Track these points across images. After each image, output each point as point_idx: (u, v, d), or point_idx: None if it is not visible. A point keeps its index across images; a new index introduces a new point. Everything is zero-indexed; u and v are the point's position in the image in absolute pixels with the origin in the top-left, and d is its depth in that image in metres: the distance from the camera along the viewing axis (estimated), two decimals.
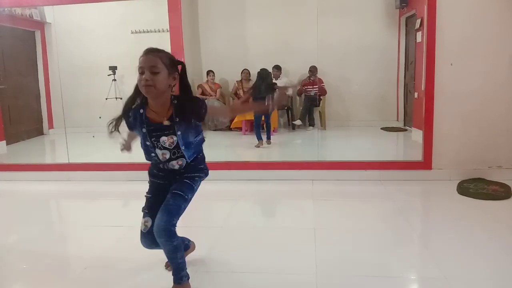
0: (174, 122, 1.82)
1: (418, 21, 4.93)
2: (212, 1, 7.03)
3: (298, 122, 6.39)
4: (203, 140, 2.01)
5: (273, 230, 2.91)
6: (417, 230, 2.84)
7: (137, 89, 1.81)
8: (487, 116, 3.73)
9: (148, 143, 1.85)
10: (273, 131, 6.05)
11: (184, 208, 1.91)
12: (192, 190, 1.96)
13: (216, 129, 6.53)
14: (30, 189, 4.05)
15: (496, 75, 3.68)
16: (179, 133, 1.83)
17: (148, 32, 6.14)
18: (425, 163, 3.82)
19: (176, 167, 1.91)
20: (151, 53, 1.75)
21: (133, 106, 1.85)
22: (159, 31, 5.90)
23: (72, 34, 6.26)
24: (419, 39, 4.81)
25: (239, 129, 6.41)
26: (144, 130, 1.82)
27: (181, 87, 1.87)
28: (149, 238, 1.91)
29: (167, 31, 4.08)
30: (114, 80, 6.10)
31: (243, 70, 6.73)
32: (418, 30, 4.93)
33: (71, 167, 4.29)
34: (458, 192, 3.43)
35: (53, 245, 2.69)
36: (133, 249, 2.17)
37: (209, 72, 6.81)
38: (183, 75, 1.87)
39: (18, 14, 5.78)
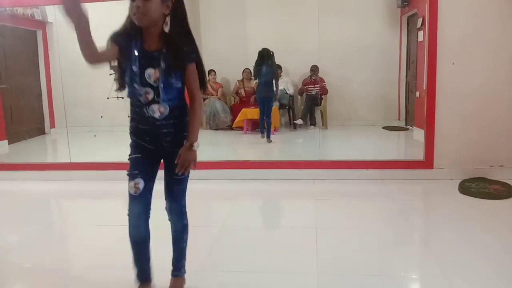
0: (160, 52, 1.64)
1: (420, 20, 4.92)
2: (213, 1, 7.03)
3: (299, 121, 6.39)
4: (183, 89, 1.75)
5: (274, 230, 2.92)
6: (418, 229, 2.83)
7: (129, 19, 1.65)
8: (489, 115, 3.72)
9: (135, 68, 1.63)
10: (274, 130, 6.05)
11: (187, 185, 1.85)
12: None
13: (217, 128, 6.53)
14: (32, 188, 4.06)
15: (498, 74, 3.67)
16: (162, 65, 1.62)
17: None
18: (427, 162, 3.81)
19: (157, 114, 1.67)
20: None
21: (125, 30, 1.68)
22: None
23: (73, 33, 6.26)
24: (420, 38, 4.80)
25: (241, 128, 6.41)
26: (136, 52, 1.64)
27: (174, 16, 1.65)
28: (141, 202, 1.74)
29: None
30: (116, 80, 6.10)
31: (244, 70, 6.72)
32: (419, 29, 4.92)
33: (72, 166, 4.30)
34: (460, 192, 3.42)
35: (54, 244, 2.70)
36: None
37: (210, 72, 6.81)
38: (178, 4, 1.67)
39: (19, 14, 5.79)
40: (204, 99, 6.77)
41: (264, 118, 5.61)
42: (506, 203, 3.17)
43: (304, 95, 6.57)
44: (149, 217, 1.79)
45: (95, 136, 6.03)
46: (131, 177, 1.75)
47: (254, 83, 6.48)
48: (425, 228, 2.92)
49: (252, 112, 6.18)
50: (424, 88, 3.81)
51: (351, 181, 3.83)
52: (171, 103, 1.68)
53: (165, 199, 1.84)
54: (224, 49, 6.79)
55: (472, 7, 3.61)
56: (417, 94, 5.21)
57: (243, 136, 6.29)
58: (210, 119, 6.54)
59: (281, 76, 6.50)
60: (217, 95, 6.77)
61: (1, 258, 2.51)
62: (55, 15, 5.84)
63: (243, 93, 6.78)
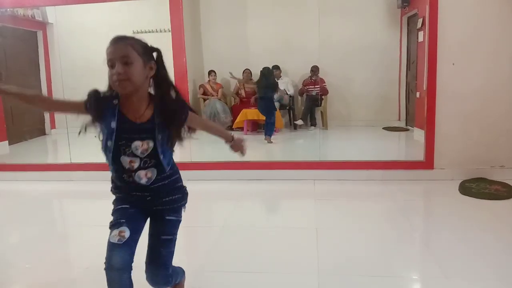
0: (154, 124, 1.48)
1: (420, 20, 4.93)
2: (213, 1, 7.04)
3: (299, 122, 6.39)
4: (172, 152, 1.62)
5: (275, 230, 2.92)
6: (418, 229, 2.83)
7: (110, 90, 1.51)
8: (490, 115, 3.72)
9: (109, 143, 1.47)
10: (276, 131, 6.05)
11: (175, 247, 1.63)
12: (178, 225, 1.64)
13: None
14: (32, 189, 4.06)
15: (498, 75, 3.67)
16: (159, 137, 1.48)
17: (150, 32, 6.14)
18: (427, 163, 3.81)
19: (143, 180, 1.51)
20: (121, 41, 1.44)
21: (102, 96, 1.51)
22: (160, 31, 5.90)
23: (74, 34, 6.27)
24: (420, 39, 4.80)
25: (241, 129, 6.41)
26: (113, 125, 1.46)
27: (157, 80, 1.51)
28: (125, 252, 1.48)
29: (169, 31, 4.08)
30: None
31: (244, 70, 6.72)
32: (419, 29, 4.93)
33: (73, 167, 4.30)
34: (460, 192, 3.42)
35: (55, 244, 2.70)
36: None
37: (210, 72, 6.81)
38: (160, 64, 1.51)
39: (20, 15, 5.79)
40: (204, 100, 6.77)
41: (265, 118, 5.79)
42: (506, 204, 3.17)
43: (305, 95, 6.58)
44: (131, 270, 1.50)
45: (95, 136, 6.02)
46: (116, 225, 1.52)
47: (254, 85, 6.50)
48: (425, 228, 2.92)
49: (252, 113, 6.19)
50: (424, 89, 3.81)
51: (352, 181, 3.83)
52: (167, 167, 1.55)
53: (147, 268, 1.58)
54: (224, 49, 6.79)
55: (472, 8, 3.62)
56: (418, 94, 5.22)
57: (244, 137, 6.28)
58: (211, 120, 6.54)
59: (281, 76, 6.51)
60: (217, 95, 6.77)
61: (1, 259, 2.51)
62: (55, 16, 5.84)
63: (243, 94, 6.79)
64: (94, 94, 1.50)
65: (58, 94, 6.09)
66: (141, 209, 1.58)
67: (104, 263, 1.50)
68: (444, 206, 3.24)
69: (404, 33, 6.40)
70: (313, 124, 6.48)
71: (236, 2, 6.82)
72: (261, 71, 5.88)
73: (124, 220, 1.52)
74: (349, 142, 5.90)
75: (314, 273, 2.15)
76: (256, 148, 5.46)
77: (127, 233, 1.49)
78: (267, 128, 5.78)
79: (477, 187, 3.46)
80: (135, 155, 1.48)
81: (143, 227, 1.59)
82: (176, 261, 2.27)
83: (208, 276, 2.18)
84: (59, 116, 6.47)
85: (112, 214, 1.57)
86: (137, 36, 1.51)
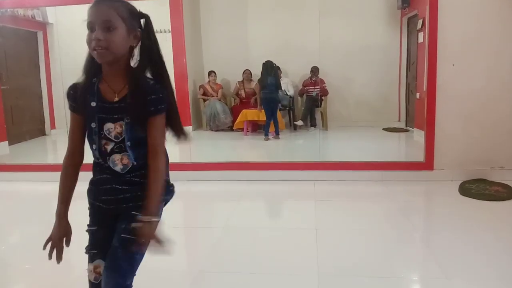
0: (125, 103, 1.28)
1: (420, 21, 4.93)
2: (213, 2, 7.05)
3: (299, 122, 6.40)
4: None
5: (275, 231, 2.92)
6: (418, 230, 2.83)
7: (89, 56, 1.31)
8: (489, 116, 3.72)
9: (93, 125, 1.30)
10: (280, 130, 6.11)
11: (142, 258, 1.33)
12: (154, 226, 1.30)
13: (217, 129, 6.54)
14: (32, 189, 4.06)
15: (498, 75, 3.67)
16: (127, 119, 1.27)
17: None
18: (427, 164, 3.81)
19: (119, 167, 1.31)
20: (104, 2, 1.24)
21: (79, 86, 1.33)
22: (161, 32, 5.87)
23: (74, 34, 6.22)
24: (421, 40, 4.81)
25: (241, 129, 6.41)
26: (93, 103, 1.29)
27: (142, 52, 1.31)
28: None
29: (169, 32, 4.08)
30: None
31: (244, 71, 6.73)
32: (420, 30, 4.93)
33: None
34: (460, 193, 3.42)
35: None
36: None
37: (210, 73, 6.82)
38: (147, 33, 1.32)
39: (20, 15, 5.80)
40: (204, 100, 6.78)
41: (270, 119, 5.91)
42: (506, 205, 3.17)
43: (305, 96, 6.58)
44: None
45: None
46: (90, 258, 1.42)
47: (254, 84, 6.50)
48: (425, 229, 2.92)
49: (252, 113, 6.20)
50: (425, 89, 3.81)
51: (352, 182, 3.83)
52: (142, 162, 1.32)
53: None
54: (224, 50, 6.80)
55: (473, 8, 3.62)
56: (418, 95, 5.22)
57: (244, 137, 6.30)
58: (211, 120, 6.54)
59: (281, 77, 6.51)
60: (217, 96, 6.78)
61: (2, 259, 2.51)
62: (55, 16, 5.85)
63: (243, 94, 6.79)
64: (71, 91, 1.34)
65: (58, 94, 6.10)
66: (110, 215, 1.39)
67: None
68: (444, 207, 3.24)
69: (404, 34, 6.41)
70: (313, 124, 6.48)
71: (236, 3, 6.83)
72: (263, 63, 5.95)
73: (96, 251, 1.39)
74: (349, 143, 5.90)
75: (314, 274, 2.15)
76: (256, 148, 5.47)
77: (102, 268, 1.36)
78: (270, 127, 5.86)
79: (477, 188, 3.46)
80: (109, 139, 1.30)
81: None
82: (176, 263, 2.26)
83: (208, 277, 2.18)
84: (59, 117, 6.48)
85: (87, 232, 1.46)
86: None
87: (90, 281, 1.39)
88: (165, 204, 1.42)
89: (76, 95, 1.32)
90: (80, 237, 2.65)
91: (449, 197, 3.38)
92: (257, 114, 6.10)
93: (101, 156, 1.34)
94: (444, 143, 3.77)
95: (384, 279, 2.11)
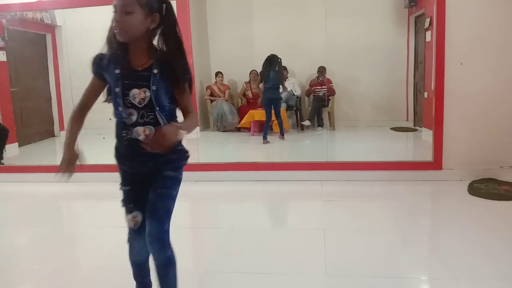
0: (151, 73, 1.48)
1: (427, 20, 4.90)
2: (220, 3, 7.06)
3: (307, 122, 6.39)
4: (175, 110, 1.61)
5: (282, 231, 2.92)
6: (426, 231, 2.82)
7: (111, 31, 1.51)
8: (498, 115, 3.69)
9: (117, 89, 1.49)
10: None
11: (173, 207, 1.60)
12: (178, 183, 1.62)
13: (225, 130, 6.55)
14: (42, 190, 4.10)
15: (507, 74, 3.64)
16: (154, 87, 1.47)
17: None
18: (435, 163, 3.78)
19: (141, 137, 1.50)
20: None
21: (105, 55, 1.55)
22: None
23: (82, 37, 6.31)
24: (428, 39, 4.78)
25: (247, 129, 6.42)
26: (117, 71, 1.49)
27: (163, 30, 1.50)
28: (141, 234, 1.60)
29: None
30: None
31: (251, 71, 6.74)
32: (427, 29, 4.90)
33: (81, 168, 4.31)
34: (469, 193, 3.40)
35: (64, 245, 2.72)
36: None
37: (217, 74, 6.83)
38: (167, 17, 1.49)
39: (29, 18, 5.86)
40: (212, 101, 6.79)
41: (270, 119, 5.70)
42: None
43: (311, 96, 6.57)
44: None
45: (104, 138, 6.07)
46: (128, 210, 1.65)
47: (260, 86, 6.49)
48: (433, 229, 2.90)
49: (260, 114, 6.19)
50: (432, 89, 3.79)
51: (359, 182, 3.82)
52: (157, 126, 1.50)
53: (146, 223, 1.58)
54: (231, 51, 6.81)
55: (480, 7, 3.59)
56: (425, 94, 5.19)
57: (251, 138, 6.30)
58: (218, 121, 6.55)
59: (287, 77, 6.50)
60: (224, 97, 6.79)
61: (10, 259, 2.54)
62: (64, 19, 5.90)
63: (250, 95, 6.80)
64: (97, 58, 1.55)
65: (67, 96, 6.15)
66: (139, 176, 1.61)
67: (127, 239, 1.70)
68: (453, 207, 3.21)
69: (412, 33, 6.37)
70: (320, 124, 6.47)
71: (242, 4, 6.84)
72: (267, 57, 5.67)
73: (133, 205, 1.63)
74: (356, 143, 5.88)
75: (322, 274, 2.15)
76: (263, 149, 5.47)
77: (139, 217, 1.61)
78: (273, 128, 5.74)
79: (486, 188, 3.43)
80: (134, 106, 1.49)
81: (147, 196, 1.61)
82: (183, 263, 2.29)
83: (215, 277, 2.18)
84: (67, 118, 6.52)
85: (122, 198, 1.66)
86: None
87: (130, 228, 1.65)
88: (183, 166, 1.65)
89: (101, 62, 1.53)
90: (88, 238, 2.66)
91: (458, 197, 3.36)
92: (264, 114, 6.10)
93: (126, 127, 1.53)
94: (452, 142, 3.75)
95: (391, 279, 2.10)
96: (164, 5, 1.49)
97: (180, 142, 1.58)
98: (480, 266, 2.20)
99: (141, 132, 1.50)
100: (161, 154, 1.47)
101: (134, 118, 1.50)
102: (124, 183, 1.66)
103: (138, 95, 1.49)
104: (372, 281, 2.08)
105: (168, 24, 1.49)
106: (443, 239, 2.63)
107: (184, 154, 1.64)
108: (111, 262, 2.36)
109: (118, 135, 1.59)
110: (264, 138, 5.66)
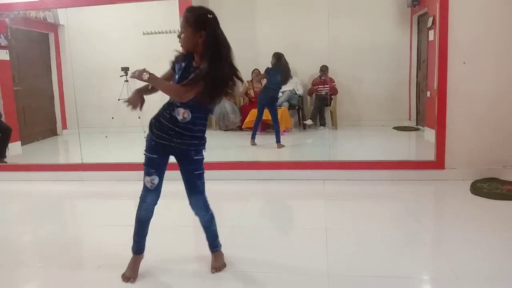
0: (193, 71, 1.95)
1: (430, 19, 4.88)
2: (222, 2, 7.05)
3: (309, 121, 6.37)
4: (207, 110, 2.07)
5: (284, 230, 2.92)
6: (429, 230, 2.81)
7: None
8: (501, 114, 3.68)
9: (177, 76, 1.99)
10: (284, 131, 6.03)
11: (204, 175, 2.13)
12: (203, 162, 2.13)
13: (227, 129, 6.55)
14: (44, 189, 4.11)
15: (510, 73, 3.63)
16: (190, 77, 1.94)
17: (159, 33, 6.19)
18: (438, 163, 3.78)
19: (180, 117, 1.97)
20: (184, 13, 1.96)
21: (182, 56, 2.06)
22: (170, 32, 5.93)
23: (85, 36, 6.34)
24: (431, 38, 4.76)
25: (250, 129, 6.41)
26: (183, 64, 2.00)
27: (206, 46, 1.93)
28: (155, 194, 2.08)
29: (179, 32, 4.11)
30: (126, 81, 6.15)
31: (253, 70, 6.72)
32: (430, 28, 4.88)
33: (84, 167, 4.35)
34: (472, 192, 3.39)
35: (67, 244, 2.73)
36: (145, 249, 2.20)
37: None
38: (210, 33, 1.93)
39: (32, 17, 5.87)
40: None
41: (260, 119, 5.54)
42: None
43: (314, 95, 6.56)
44: (157, 203, 2.12)
45: (106, 137, 6.09)
46: (148, 173, 2.06)
47: (264, 82, 6.47)
48: (436, 229, 2.90)
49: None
50: (435, 88, 3.78)
51: (362, 181, 3.81)
52: (190, 110, 1.97)
53: (189, 198, 2.12)
54: (234, 50, 6.77)
55: (483, 6, 3.58)
56: (428, 93, 5.17)
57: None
58: (220, 120, 6.55)
59: (290, 76, 6.48)
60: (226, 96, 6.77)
61: (14, 258, 2.55)
62: (67, 18, 5.90)
63: (252, 94, 6.79)
64: (176, 57, 2.07)
65: (69, 95, 6.16)
66: (166, 149, 2.05)
67: (140, 196, 2.11)
68: (455, 206, 3.21)
69: (415, 32, 6.35)
70: (323, 124, 6.45)
71: (245, 3, 6.83)
72: (276, 53, 5.45)
73: (154, 170, 2.06)
74: (359, 142, 5.87)
75: (324, 273, 2.15)
76: (266, 148, 5.46)
77: (156, 180, 2.05)
78: (275, 132, 5.47)
79: (489, 187, 3.42)
80: None
81: (166, 167, 2.11)
82: (186, 262, 2.29)
83: (217, 276, 2.18)
84: (70, 117, 6.55)
85: (144, 155, 2.07)
86: (199, 6, 1.98)
87: (146, 187, 2.08)
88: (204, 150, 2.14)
89: (176, 59, 2.05)
90: (91, 236, 2.67)
91: (461, 197, 3.35)
92: (266, 113, 6.08)
93: (172, 106, 1.99)
94: (455, 142, 3.74)
95: (394, 279, 2.10)
96: (207, 25, 1.93)
97: (200, 130, 2.05)
98: (483, 266, 2.20)
99: (180, 113, 1.97)
100: (187, 135, 2.01)
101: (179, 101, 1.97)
102: (151, 151, 2.06)
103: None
104: (375, 281, 2.08)
105: (209, 40, 1.93)
106: (445, 239, 2.63)
107: (202, 140, 2.09)
108: (113, 261, 2.36)
109: (164, 110, 2.03)
110: (253, 138, 5.46)
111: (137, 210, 2.13)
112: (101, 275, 2.24)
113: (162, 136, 2.03)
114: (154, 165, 2.06)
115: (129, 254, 2.18)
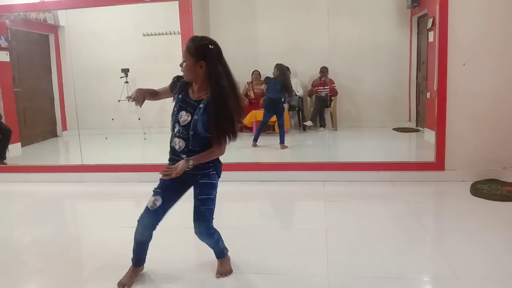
0: (198, 105, 1.94)
1: (430, 20, 4.89)
2: (223, 3, 7.06)
3: (309, 123, 6.37)
4: (208, 144, 2.01)
5: (285, 231, 2.92)
6: (429, 231, 2.81)
7: None
8: (501, 116, 3.68)
9: (175, 108, 2.00)
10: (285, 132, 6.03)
11: (214, 206, 2.05)
12: (214, 187, 2.06)
13: None
14: (44, 190, 4.11)
15: (509, 74, 3.63)
16: (196, 117, 1.93)
17: (159, 34, 6.19)
18: (438, 164, 3.78)
19: (176, 147, 1.98)
20: (186, 43, 1.96)
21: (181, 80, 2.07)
22: (170, 34, 5.94)
23: (85, 37, 6.34)
24: (431, 39, 4.77)
25: (249, 129, 6.41)
26: (180, 96, 2.00)
27: (208, 75, 1.92)
28: (153, 217, 2.01)
29: (179, 34, 4.12)
30: (127, 82, 6.16)
31: (253, 72, 6.73)
32: (430, 29, 4.89)
33: (84, 168, 4.35)
34: (472, 193, 3.39)
35: (67, 245, 2.73)
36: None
37: None
38: (210, 63, 1.91)
39: (32, 18, 5.88)
40: None
41: (276, 119, 5.59)
42: None
43: (314, 96, 6.56)
44: (155, 229, 2.06)
45: (106, 138, 6.09)
46: (154, 193, 2.03)
47: (263, 85, 6.48)
48: (436, 230, 2.90)
49: (262, 114, 6.18)
50: (435, 89, 3.79)
51: (362, 182, 3.82)
52: (198, 149, 1.96)
53: (194, 223, 2.02)
54: (234, 51, 6.76)
55: (483, 7, 3.58)
56: (428, 95, 5.17)
57: (253, 138, 6.28)
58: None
59: (290, 77, 6.49)
60: None
61: (14, 259, 2.55)
62: (67, 19, 5.91)
63: (252, 95, 6.79)
64: (176, 80, 2.08)
65: (69, 96, 6.17)
66: (178, 179, 1.95)
67: (140, 215, 2.05)
68: (455, 207, 3.21)
69: (414, 33, 6.35)
70: (323, 125, 6.45)
71: (245, 4, 6.83)
72: (278, 65, 5.55)
73: (160, 191, 2.02)
74: (358, 143, 5.87)
75: (324, 274, 2.15)
76: (266, 149, 5.46)
77: (159, 202, 1.99)
78: (280, 133, 5.61)
79: (489, 189, 3.42)
80: (179, 122, 1.97)
81: (178, 196, 2.07)
82: (187, 263, 2.28)
83: (219, 280, 2.18)
84: (70, 118, 6.56)
85: (159, 183, 2.05)
86: (201, 37, 1.99)
87: (146, 207, 2.02)
88: (218, 176, 2.12)
89: (177, 82, 2.06)
90: (91, 237, 2.67)
91: (461, 198, 3.35)
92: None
93: (172, 136, 2.02)
94: (455, 143, 3.74)
95: (394, 280, 2.10)
96: (207, 55, 1.91)
97: (212, 166, 2.05)
98: (483, 267, 2.20)
99: (177, 143, 1.99)
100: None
101: (176, 131, 1.99)
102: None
103: (183, 116, 1.96)
104: (375, 282, 2.08)
105: (211, 69, 1.91)
106: (445, 240, 2.62)
107: (208, 163, 2.02)
108: (113, 261, 2.36)
109: (170, 141, 2.04)
110: (255, 140, 5.52)
111: (135, 231, 2.08)
112: (101, 276, 2.23)
113: (173, 159, 2.03)
114: (162, 186, 2.03)
115: (130, 255, 2.18)
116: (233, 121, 1.96)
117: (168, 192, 2.02)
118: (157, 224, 2.04)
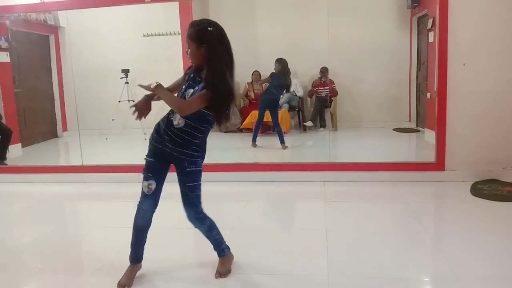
0: (200, 82, 2.00)
1: (430, 21, 4.89)
2: (222, 4, 7.06)
3: (309, 123, 6.37)
4: (204, 123, 2.02)
5: (285, 231, 2.92)
6: (429, 231, 2.81)
7: None
8: (501, 116, 3.68)
9: (184, 86, 2.05)
10: (285, 132, 6.02)
11: (201, 192, 2.09)
12: (201, 173, 2.09)
13: (227, 131, 6.55)
14: (45, 190, 4.11)
15: (509, 75, 3.63)
16: (190, 92, 1.99)
17: (160, 35, 6.19)
18: (438, 164, 3.78)
19: (175, 122, 1.99)
20: (187, 29, 1.98)
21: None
22: (171, 34, 5.94)
23: (85, 38, 6.35)
24: (431, 39, 4.77)
25: (249, 130, 6.41)
26: (192, 75, 2.04)
27: (207, 57, 1.94)
28: (151, 200, 2.06)
29: (179, 34, 4.12)
30: (127, 83, 6.16)
31: (253, 72, 6.73)
32: (430, 30, 4.89)
33: (84, 169, 4.35)
34: (472, 194, 3.39)
35: (67, 245, 2.73)
36: (146, 250, 2.20)
37: None
38: (210, 47, 1.93)
39: (32, 19, 5.88)
40: None
41: (261, 122, 5.58)
42: None
43: (314, 97, 6.56)
44: (155, 211, 2.10)
45: (106, 139, 6.09)
46: (145, 178, 2.06)
47: (264, 85, 6.47)
48: (436, 230, 2.90)
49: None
50: (435, 89, 3.79)
51: (362, 183, 3.81)
52: (188, 120, 1.97)
53: (184, 208, 2.06)
54: (234, 51, 6.79)
55: (483, 7, 3.58)
56: (428, 95, 5.17)
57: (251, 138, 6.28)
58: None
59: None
60: None
61: (14, 259, 2.55)
62: (67, 20, 5.92)
63: (252, 96, 6.79)
64: (188, 69, 2.12)
65: (70, 96, 6.18)
66: (164, 155, 2.04)
67: (138, 203, 2.10)
68: (456, 208, 3.21)
69: (414, 34, 6.35)
70: (323, 125, 6.45)
71: (245, 4, 6.84)
72: (279, 60, 5.49)
73: (151, 175, 2.06)
74: (359, 144, 5.87)
75: (324, 275, 2.15)
76: (266, 150, 5.46)
77: (153, 186, 2.05)
78: (278, 134, 5.57)
79: (489, 189, 3.42)
80: (184, 98, 2.00)
81: (166, 173, 2.10)
82: (187, 264, 2.28)
83: (219, 280, 2.18)
84: (70, 119, 6.56)
85: (144, 160, 2.09)
86: (201, 21, 1.98)
87: (143, 193, 2.07)
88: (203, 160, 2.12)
89: (188, 70, 2.10)
90: (91, 238, 2.67)
91: (461, 198, 3.35)
92: (267, 115, 6.08)
93: (172, 112, 2.02)
94: (455, 143, 3.74)
95: (394, 280, 2.09)
96: (207, 38, 1.94)
97: (194, 143, 2.02)
98: (483, 267, 2.20)
99: (176, 118, 1.99)
100: (178, 143, 1.99)
101: None
102: (149, 155, 2.08)
103: (190, 93, 1.99)
104: (375, 282, 2.08)
105: (209, 53, 1.94)
106: (446, 240, 2.62)
107: (195, 152, 2.04)
108: (113, 262, 2.36)
109: (167, 114, 2.04)
110: (254, 140, 5.49)
111: (135, 218, 2.11)
112: (101, 277, 2.23)
113: (158, 140, 2.05)
114: (151, 170, 2.06)
115: (128, 256, 2.18)
116: (220, 104, 1.97)
117: (158, 173, 2.07)
118: (156, 206, 2.09)
